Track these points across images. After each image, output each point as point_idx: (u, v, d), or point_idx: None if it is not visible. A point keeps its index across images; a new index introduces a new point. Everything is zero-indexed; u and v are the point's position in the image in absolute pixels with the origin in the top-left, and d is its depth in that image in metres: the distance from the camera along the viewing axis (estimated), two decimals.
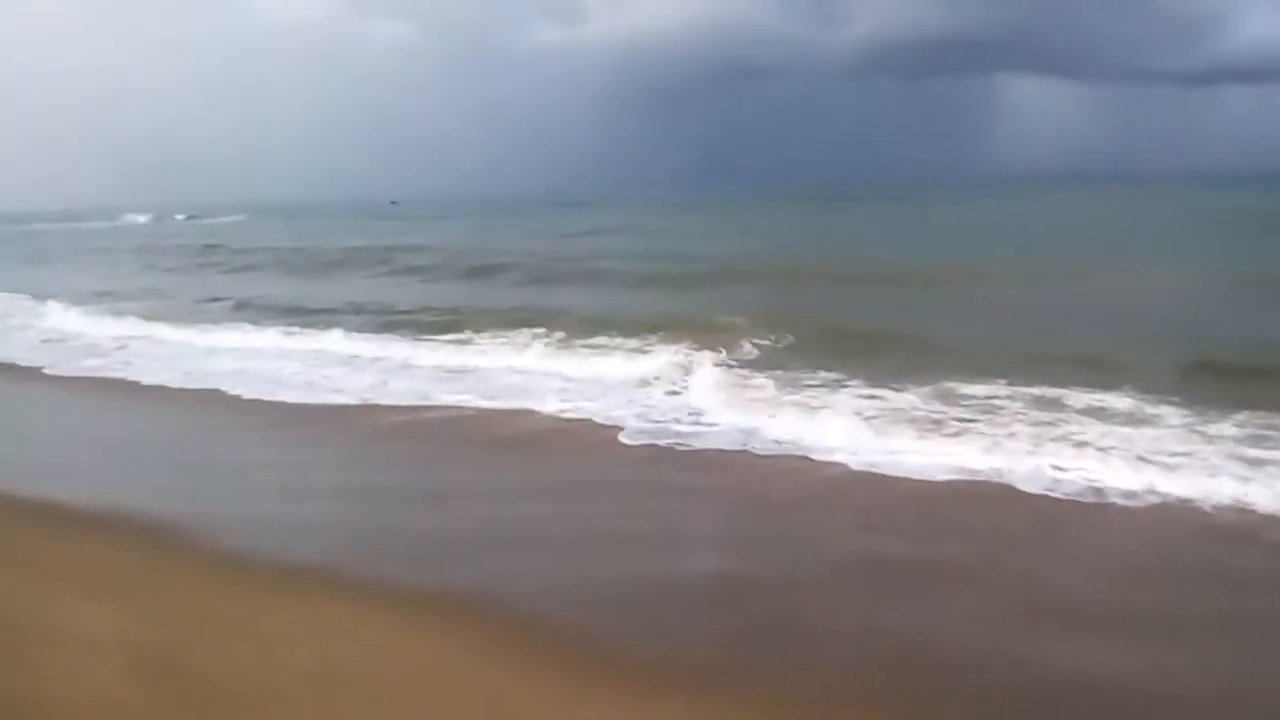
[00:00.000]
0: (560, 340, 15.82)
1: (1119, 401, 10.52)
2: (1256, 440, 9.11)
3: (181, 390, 14.03)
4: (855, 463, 9.22)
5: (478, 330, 17.17)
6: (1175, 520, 7.62)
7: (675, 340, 14.92)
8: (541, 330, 16.49)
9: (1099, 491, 8.21)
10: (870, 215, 57.07)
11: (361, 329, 18.25)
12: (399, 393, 13.17)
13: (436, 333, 17.40)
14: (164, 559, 7.14)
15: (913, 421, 10.27)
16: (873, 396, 11.28)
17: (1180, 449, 9.00)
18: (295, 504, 8.64)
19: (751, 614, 6.15)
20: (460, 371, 14.53)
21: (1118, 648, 5.61)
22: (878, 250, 31.60)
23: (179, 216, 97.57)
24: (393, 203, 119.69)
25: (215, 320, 20.79)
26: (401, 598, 6.32)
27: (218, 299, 24.69)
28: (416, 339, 16.93)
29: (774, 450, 9.79)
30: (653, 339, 15.27)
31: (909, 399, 11.09)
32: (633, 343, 15.22)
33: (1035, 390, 11.07)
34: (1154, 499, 8.00)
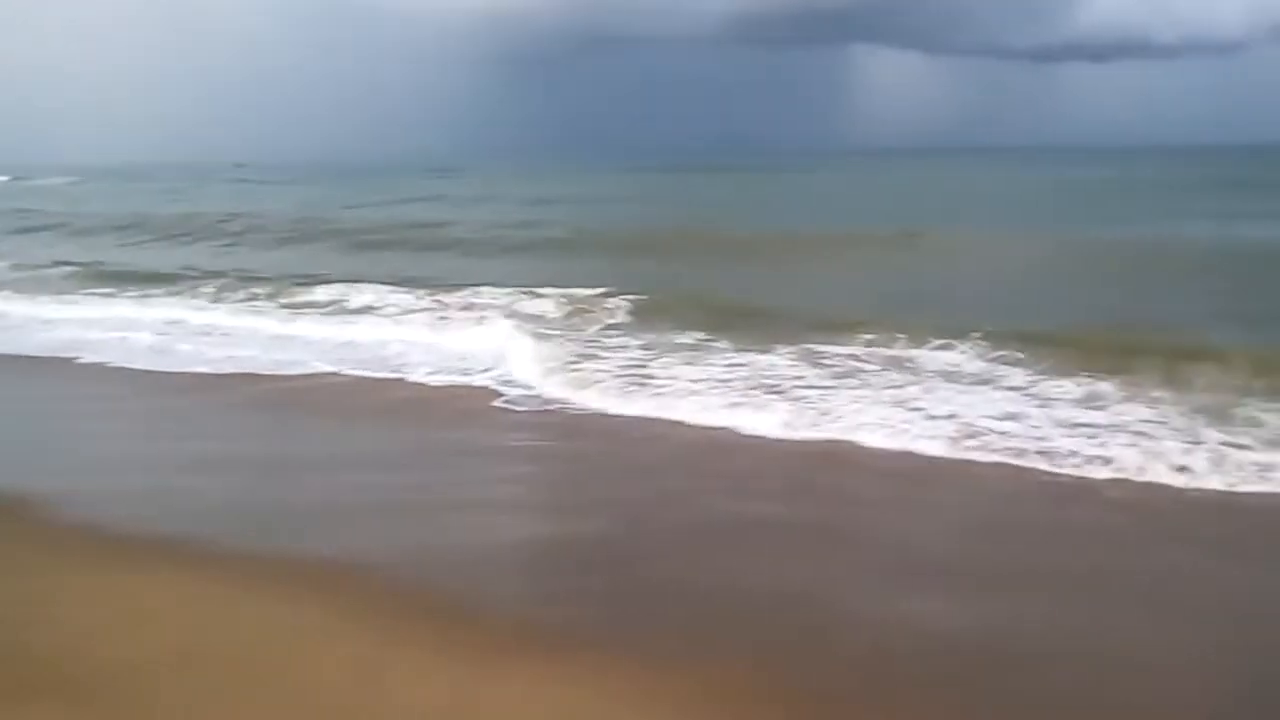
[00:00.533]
0: (422, 306, 15.82)
1: (970, 364, 11.04)
2: (1092, 401, 9.61)
3: (29, 359, 13.50)
4: (712, 425, 9.42)
5: (327, 298, 16.99)
6: (1020, 479, 7.93)
7: (532, 309, 15.09)
8: (399, 298, 16.42)
9: (954, 445, 8.58)
10: (729, 185, 57.82)
11: (212, 296, 17.97)
12: (256, 361, 12.92)
13: (287, 298, 17.22)
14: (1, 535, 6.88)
15: (767, 385, 10.49)
16: (735, 364, 11.45)
17: (1020, 410, 9.41)
18: (153, 475, 8.40)
19: (616, 576, 6.23)
20: (318, 340, 14.28)
21: (973, 603, 5.82)
22: (736, 219, 31.99)
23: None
24: (238, 165, 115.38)
25: (57, 290, 19.92)
26: (265, 568, 6.23)
27: (58, 264, 23.52)
28: (259, 305, 16.79)
29: (635, 414, 9.91)
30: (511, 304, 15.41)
31: (770, 361, 11.39)
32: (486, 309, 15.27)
33: (891, 352, 11.59)
34: (998, 458, 8.30)
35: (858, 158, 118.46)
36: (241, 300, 17.42)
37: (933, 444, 8.67)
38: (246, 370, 12.46)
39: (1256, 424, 8.66)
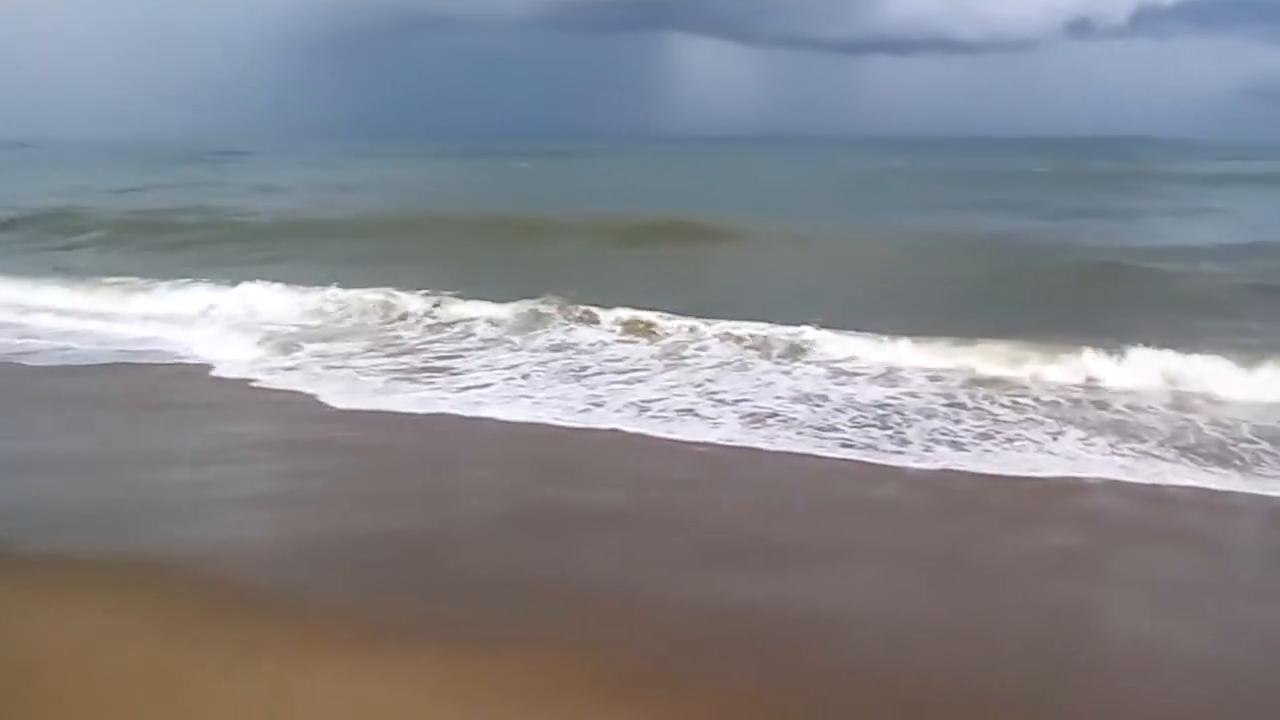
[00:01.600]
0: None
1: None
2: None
3: None
4: (504, 415, 9.40)
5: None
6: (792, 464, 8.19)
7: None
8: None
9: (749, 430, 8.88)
10: (525, 170, 58.48)
11: None
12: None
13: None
14: None
15: (565, 372, 10.74)
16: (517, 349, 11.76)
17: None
18: None
19: (424, 567, 6.17)
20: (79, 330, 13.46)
21: (774, 579, 6.00)
22: (512, 201, 32.67)
23: None
24: (21, 144, 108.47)
25: None
26: (62, 572, 5.89)
27: None
28: None
29: (426, 411, 9.57)
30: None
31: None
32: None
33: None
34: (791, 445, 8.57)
35: (668, 145, 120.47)
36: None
37: (723, 429, 8.83)
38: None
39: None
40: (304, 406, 9.73)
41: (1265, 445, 8.38)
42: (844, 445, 8.48)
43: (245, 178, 46.87)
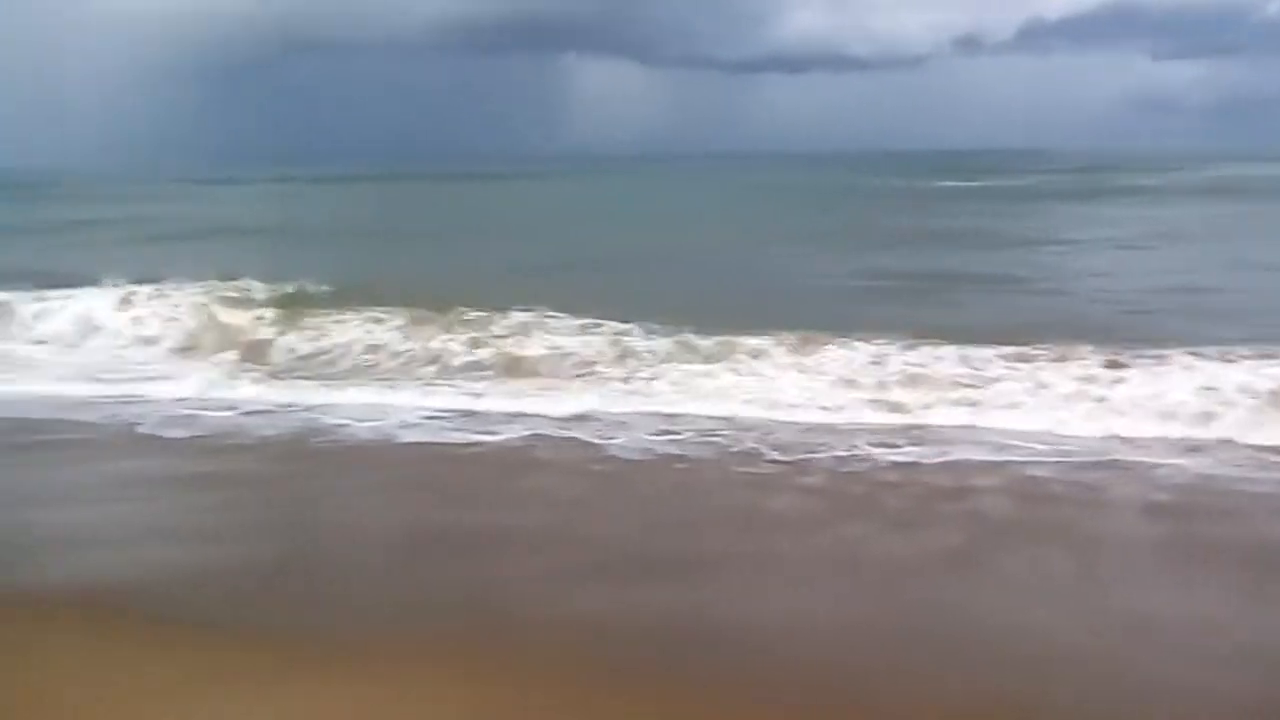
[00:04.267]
0: None
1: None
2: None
3: None
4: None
5: None
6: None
7: None
8: None
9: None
10: (421, 192, 58.88)
11: None
12: None
13: None
14: None
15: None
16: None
17: None
18: None
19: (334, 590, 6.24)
20: None
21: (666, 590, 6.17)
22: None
23: None
24: None
25: None
26: None
27: None
28: None
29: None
30: None
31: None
32: None
33: None
34: None
35: (562, 164, 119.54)
36: None
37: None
38: None
39: None
40: None
41: None
42: None
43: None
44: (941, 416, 9.54)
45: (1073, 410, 9.47)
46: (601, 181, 71.24)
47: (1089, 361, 10.24)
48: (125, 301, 14.29)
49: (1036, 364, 10.31)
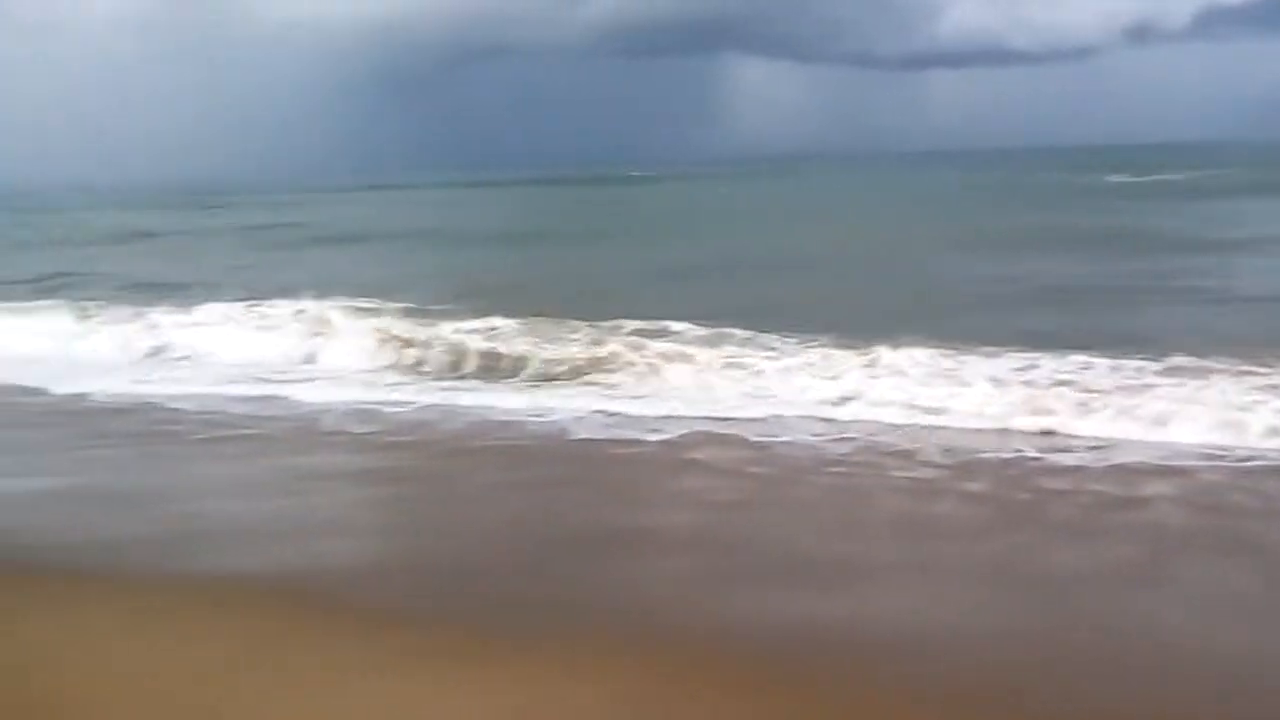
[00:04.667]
0: None
1: None
2: None
3: None
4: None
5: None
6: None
7: None
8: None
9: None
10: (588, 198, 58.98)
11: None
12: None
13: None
14: None
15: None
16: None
17: None
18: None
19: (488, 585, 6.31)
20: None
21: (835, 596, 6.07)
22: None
23: None
24: (83, 189, 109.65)
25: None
26: (178, 596, 6.09)
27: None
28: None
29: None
30: None
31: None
32: None
33: None
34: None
35: (730, 167, 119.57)
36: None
37: None
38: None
39: None
40: None
41: None
42: None
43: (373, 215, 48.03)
44: (1109, 426, 9.17)
45: (1254, 419, 8.96)
46: (763, 183, 71.13)
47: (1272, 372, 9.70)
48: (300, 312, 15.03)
49: (1212, 377, 9.76)
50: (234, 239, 34.14)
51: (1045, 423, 9.27)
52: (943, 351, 10.85)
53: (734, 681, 4.94)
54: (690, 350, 11.76)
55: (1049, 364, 10.47)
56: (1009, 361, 10.62)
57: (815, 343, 11.66)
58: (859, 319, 12.98)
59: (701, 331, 12.50)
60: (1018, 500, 7.65)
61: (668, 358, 11.59)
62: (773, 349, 11.69)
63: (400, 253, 26.85)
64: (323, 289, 16.08)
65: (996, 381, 10.10)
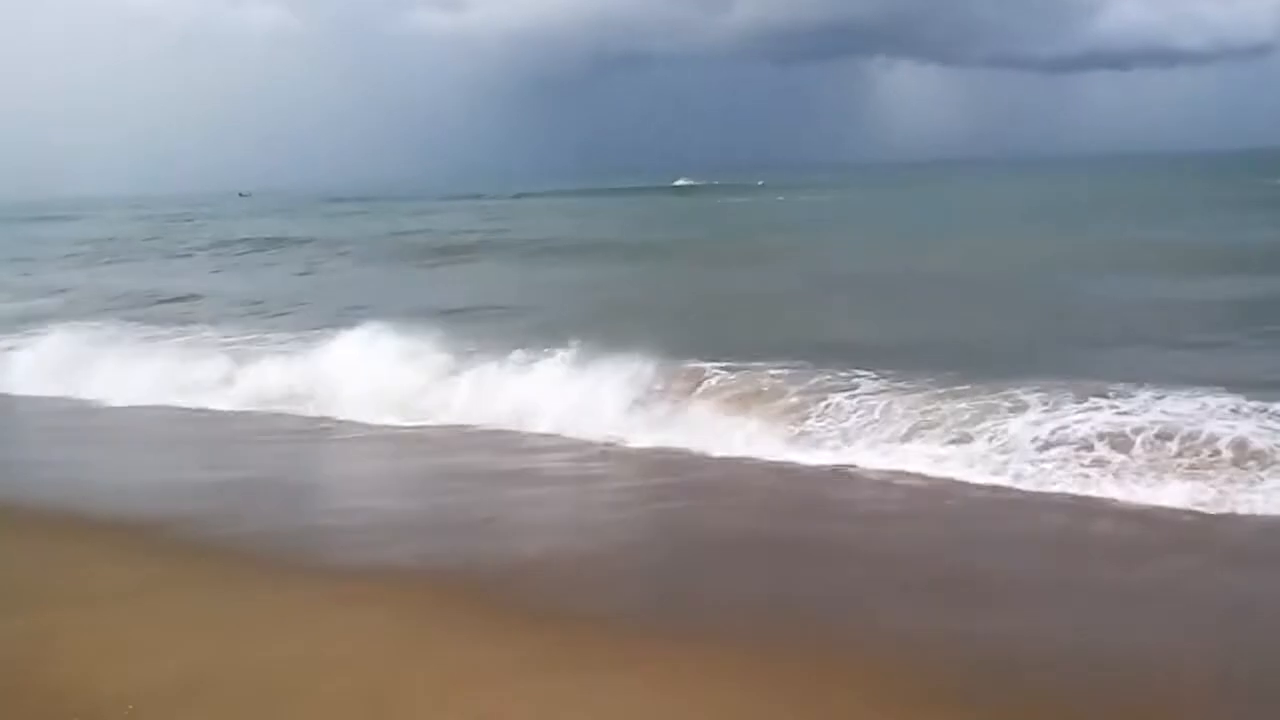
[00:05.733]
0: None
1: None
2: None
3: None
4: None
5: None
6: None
7: None
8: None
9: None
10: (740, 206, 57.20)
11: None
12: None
13: None
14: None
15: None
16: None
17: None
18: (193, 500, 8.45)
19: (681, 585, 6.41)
20: None
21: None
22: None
23: None
24: (242, 194, 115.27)
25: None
26: (330, 584, 6.28)
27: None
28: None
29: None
30: None
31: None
32: None
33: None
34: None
35: (879, 171, 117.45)
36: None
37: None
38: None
39: None
40: None
41: None
42: None
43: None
44: None
45: None
46: (912, 191, 68.05)
47: None
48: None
49: None
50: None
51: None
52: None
53: (883, 692, 4.87)
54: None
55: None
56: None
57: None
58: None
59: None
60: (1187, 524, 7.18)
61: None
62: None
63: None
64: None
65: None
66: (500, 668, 5.09)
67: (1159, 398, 9.00)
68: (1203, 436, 8.13)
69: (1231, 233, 25.65)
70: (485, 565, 6.64)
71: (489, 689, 4.86)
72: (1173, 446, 8.09)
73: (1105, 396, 9.07)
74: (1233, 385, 9.06)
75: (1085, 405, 8.98)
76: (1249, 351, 12.12)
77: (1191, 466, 7.83)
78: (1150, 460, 7.99)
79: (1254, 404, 8.58)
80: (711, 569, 6.64)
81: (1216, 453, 7.92)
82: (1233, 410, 8.53)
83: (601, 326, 12.23)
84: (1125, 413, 8.73)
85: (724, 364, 11.20)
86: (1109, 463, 8.01)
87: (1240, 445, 7.94)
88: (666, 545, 7.25)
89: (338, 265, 29.65)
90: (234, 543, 7.10)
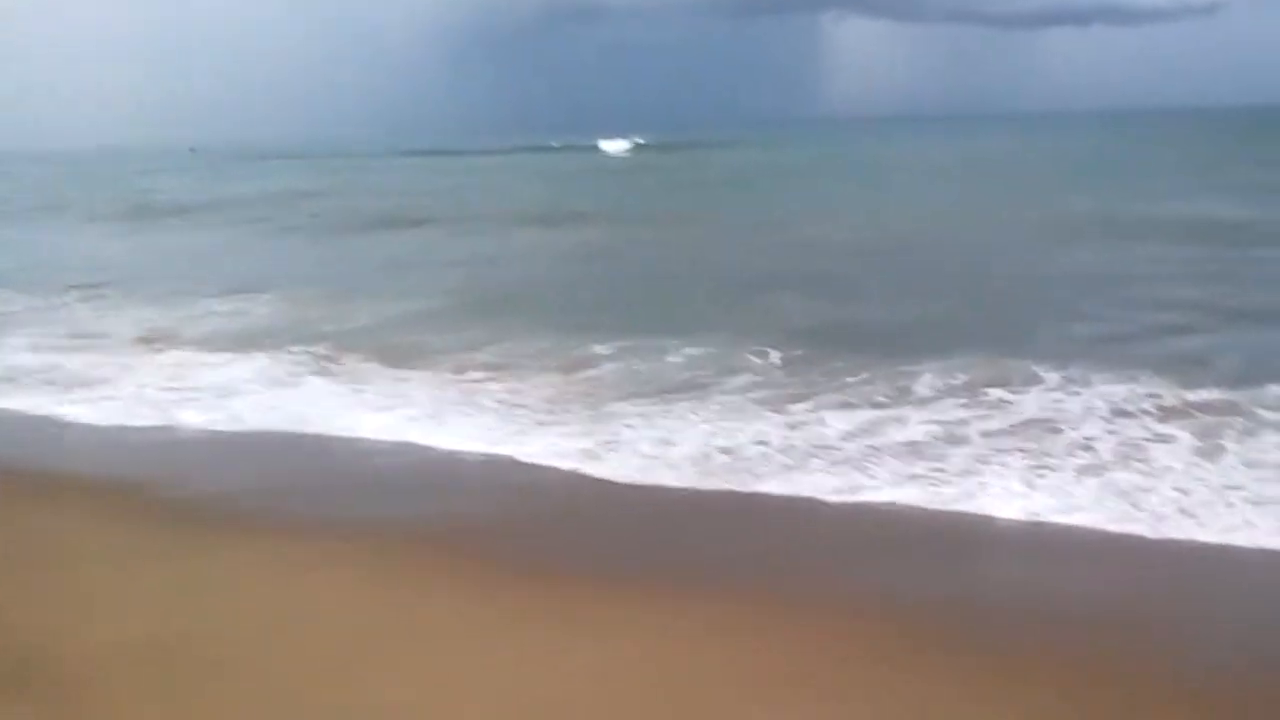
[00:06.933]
0: None
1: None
2: None
3: None
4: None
5: None
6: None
7: None
8: None
9: None
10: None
11: None
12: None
13: None
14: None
15: None
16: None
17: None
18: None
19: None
20: None
21: None
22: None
23: None
24: (191, 150, 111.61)
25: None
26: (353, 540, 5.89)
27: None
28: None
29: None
30: None
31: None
32: None
33: None
34: None
35: (831, 127, 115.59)
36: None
37: None
38: None
39: None
40: None
41: None
42: None
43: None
44: None
45: None
46: (853, 149, 64.67)
47: None
48: None
49: None
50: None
51: None
52: None
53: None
54: None
55: None
56: None
57: None
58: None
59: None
60: None
61: None
62: None
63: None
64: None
65: None
66: (469, 623, 4.93)
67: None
68: None
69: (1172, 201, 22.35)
70: (462, 524, 6.25)
71: (459, 643, 4.71)
72: None
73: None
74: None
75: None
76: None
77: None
78: None
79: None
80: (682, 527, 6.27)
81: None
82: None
83: None
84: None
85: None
86: None
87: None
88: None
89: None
90: (207, 502, 6.69)
